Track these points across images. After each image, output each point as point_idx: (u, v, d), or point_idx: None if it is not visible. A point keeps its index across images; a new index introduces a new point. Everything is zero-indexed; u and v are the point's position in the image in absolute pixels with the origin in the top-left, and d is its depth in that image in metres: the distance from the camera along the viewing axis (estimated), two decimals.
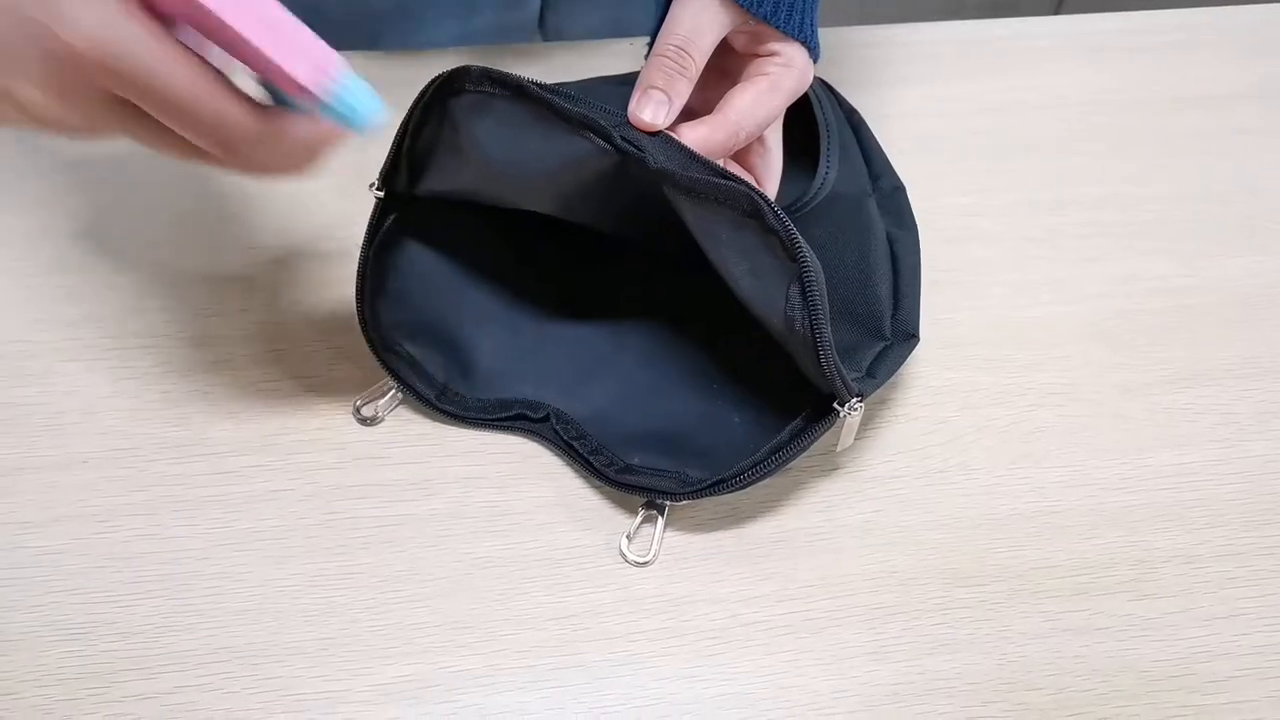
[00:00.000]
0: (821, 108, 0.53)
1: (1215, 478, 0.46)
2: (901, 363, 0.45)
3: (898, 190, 0.52)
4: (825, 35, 0.67)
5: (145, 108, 0.32)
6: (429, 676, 0.40)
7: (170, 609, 0.41)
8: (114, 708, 0.38)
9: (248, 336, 0.49)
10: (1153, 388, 0.50)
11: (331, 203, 0.52)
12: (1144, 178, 0.60)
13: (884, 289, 0.47)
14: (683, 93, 0.42)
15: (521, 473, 0.46)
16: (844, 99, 0.56)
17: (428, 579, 0.42)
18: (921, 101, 0.63)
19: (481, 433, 0.47)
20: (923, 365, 0.50)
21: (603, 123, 0.40)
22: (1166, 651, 0.41)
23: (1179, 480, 0.46)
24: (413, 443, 0.46)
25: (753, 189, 0.39)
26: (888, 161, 0.54)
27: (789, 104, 0.45)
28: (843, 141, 0.53)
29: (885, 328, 0.46)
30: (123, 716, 0.38)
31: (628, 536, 0.43)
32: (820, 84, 0.56)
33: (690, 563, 0.43)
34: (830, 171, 0.51)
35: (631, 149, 0.40)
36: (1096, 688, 0.40)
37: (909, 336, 0.46)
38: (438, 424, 0.47)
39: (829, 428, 0.41)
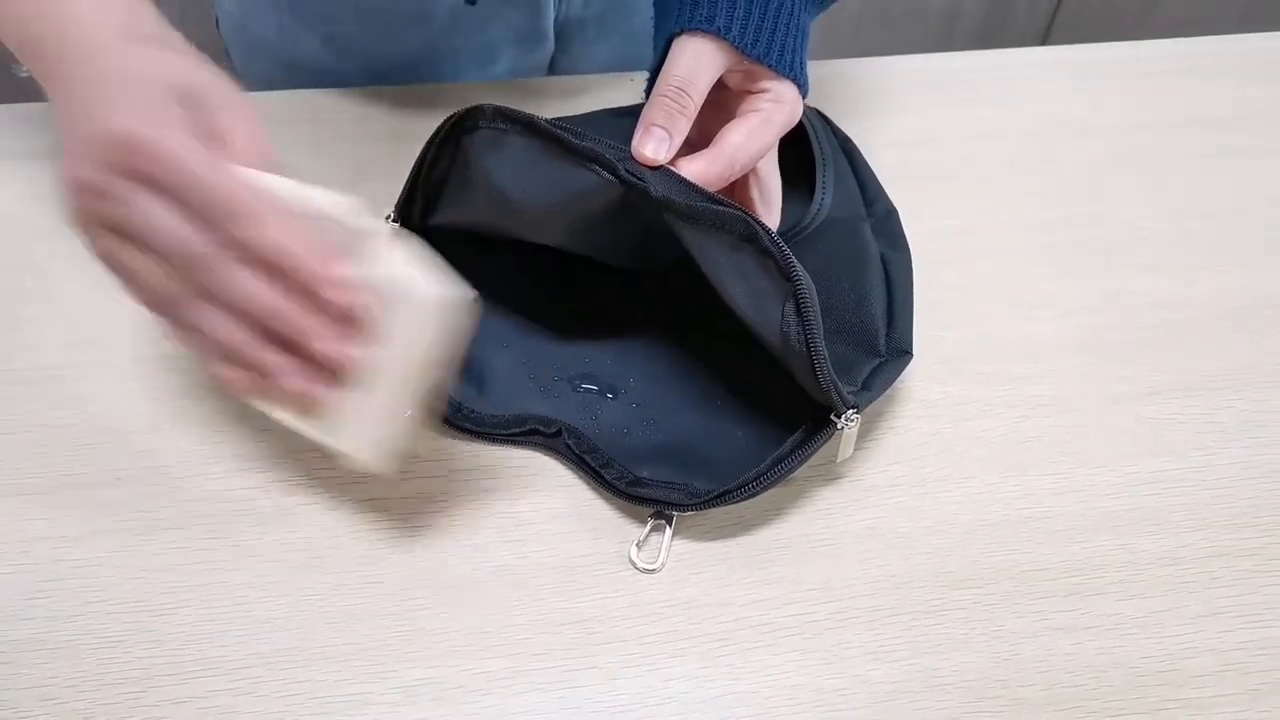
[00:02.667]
0: (817, 137, 0.56)
1: (1199, 483, 0.48)
2: (896, 377, 0.47)
3: (890, 214, 0.55)
4: (822, 68, 0.70)
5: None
6: (450, 679, 0.42)
7: (202, 617, 0.43)
8: (150, 712, 0.40)
9: None
10: (1139, 398, 0.52)
11: None
12: (1129, 198, 0.62)
13: (878, 308, 0.49)
14: (682, 129, 0.45)
15: (536, 485, 0.48)
16: (838, 128, 0.59)
17: (448, 586, 0.44)
18: (914, 129, 0.66)
19: (497, 447, 0.49)
20: (918, 379, 0.52)
21: (608, 156, 0.43)
22: (1153, 649, 0.43)
23: (1164, 486, 0.48)
24: (432, 458, 0.48)
25: (749, 215, 0.41)
26: (880, 187, 0.56)
27: (781, 137, 0.47)
28: (837, 169, 0.55)
29: (880, 345, 0.48)
30: None
31: (637, 545, 0.45)
32: (815, 114, 0.59)
33: (698, 569, 0.45)
34: (826, 197, 0.54)
35: (635, 180, 0.43)
36: (1087, 684, 0.42)
37: (902, 353, 0.48)
38: (455, 440, 0.49)
39: (827, 439, 0.43)
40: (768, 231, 0.41)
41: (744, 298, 0.44)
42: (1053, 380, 0.52)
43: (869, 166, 0.57)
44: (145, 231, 0.36)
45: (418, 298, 0.36)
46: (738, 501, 0.44)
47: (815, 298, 0.41)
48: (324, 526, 0.46)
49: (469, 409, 0.49)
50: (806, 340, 0.41)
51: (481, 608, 0.43)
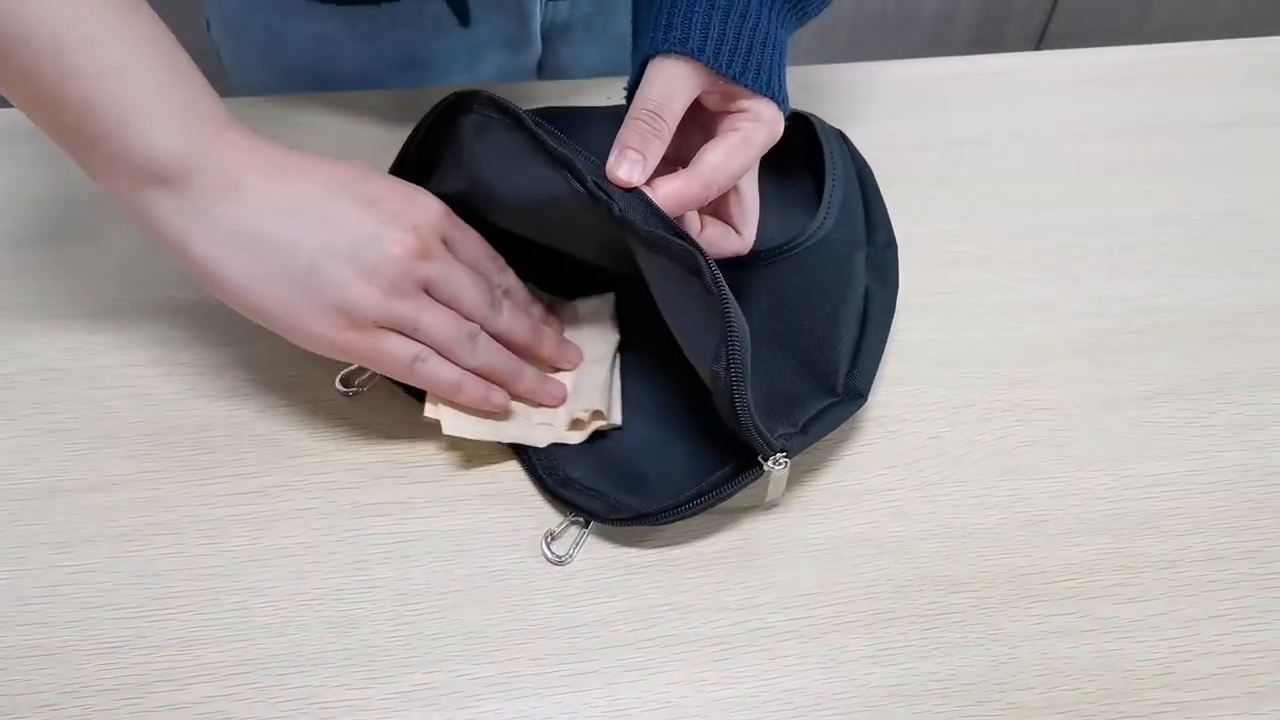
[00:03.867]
0: (832, 158, 0.56)
1: (1194, 487, 0.49)
2: (841, 422, 0.47)
3: (890, 247, 0.54)
4: (817, 73, 0.70)
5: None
6: (448, 684, 0.41)
7: (198, 623, 0.43)
8: (147, 718, 0.40)
9: (266, 363, 0.51)
10: (1134, 402, 0.52)
11: None
12: (1122, 203, 0.62)
13: (846, 346, 0.49)
14: (656, 152, 0.45)
15: (532, 490, 0.48)
16: (858, 152, 0.59)
17: (445, 591, 0.44)
18: (908, 134, 0.66)
19: (495, 452, 0.49)
20: (915, 383, 0.52)
21: (580, 167, 0.43)
22: (1150, 652, 0.43)
23: (1160, 489, 0.48)
24: (429, 462, 0.48)
25: (699, 250, 0.42)
26: (887, 217, 0.56)
27: (761, 155, 0.47)
28: (846, 193, 0.56)
29: (838, 384, 0.48)
30: None
31: (551, 534, 0.46)
32: (837, 135, 0.59)
33: (696, 572, 0.45)
34: (828, 219, 0.54)
35: (602, 196, 0.43)
36: (1084, 687, 0.42)
37: (857, 395, 0.47)
38: (454, 444, 0.49)
39: (754, 479, 0.44)
40: (713, 271, 0.42)
41: (685, 328, 0.45)
42: (1048, 384, 0.52)
43: (880, 196, 0.57)
44: (450, 281, 0.45)
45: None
46: (655, 525, 0.44)
47: (746, 344, 0.42)
48: (320, 532, 0.46)
49: None
50: (730, 385, 0.41)
51: (478, 613, 0.43)
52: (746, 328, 0.42)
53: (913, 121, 0.67)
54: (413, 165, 0.49)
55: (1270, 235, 0.61)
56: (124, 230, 0.57)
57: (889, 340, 0.51)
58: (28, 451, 0.48)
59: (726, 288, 0.41)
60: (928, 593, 0.44)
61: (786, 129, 0.48)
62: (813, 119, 0.58)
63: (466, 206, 0.49)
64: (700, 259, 0.41)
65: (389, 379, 0.49)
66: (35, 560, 0.44)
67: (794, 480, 0.47)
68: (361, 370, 0.50)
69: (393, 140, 0.50)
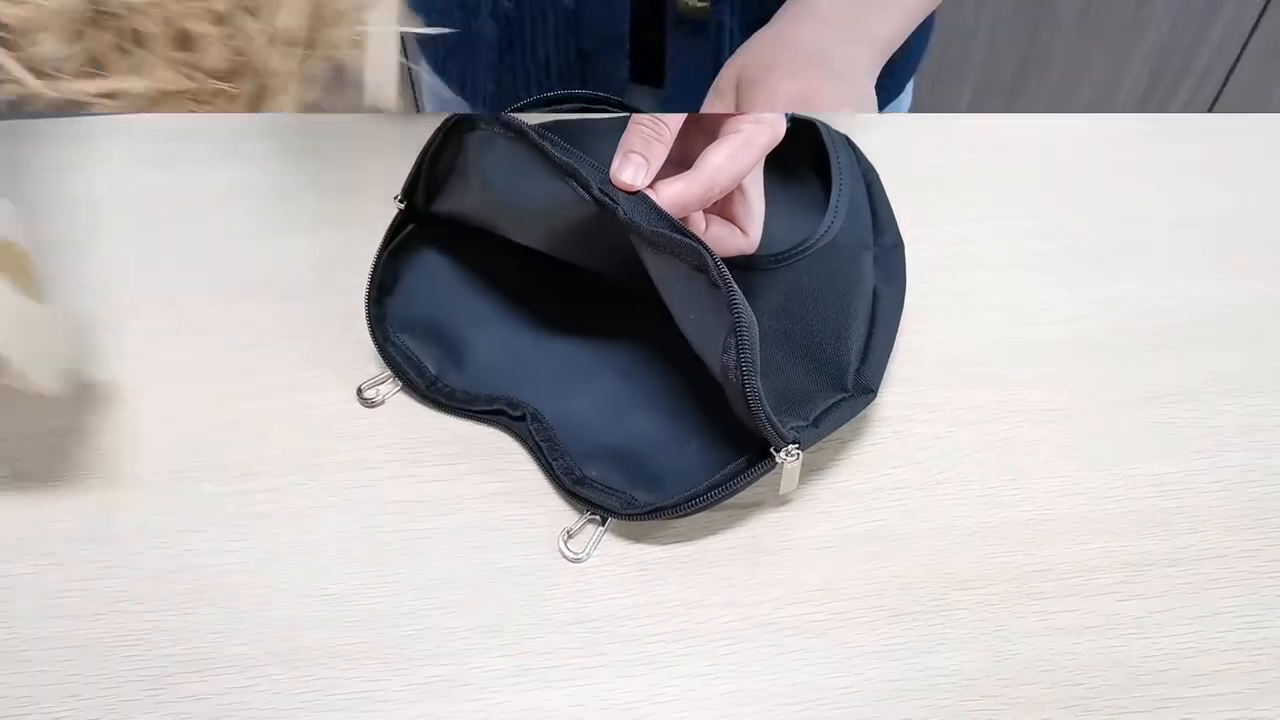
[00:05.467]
0: (838, 161, 0.57)
1: (1197, 486, 0.49)
2: (852, 417, 0.48)
3: (896, 247, 0.55)
4: None
5: None
6: (461, 676, 0.42)
7: (220, 617, 0.44)
8: (171, 708, 0.41)
9: (287, 366, 0.53)
10: (1139, 403, 0.53)
11: (355, 238, 0.55)
12: (1127, 206, 0.63)
13: (856, 343, 0.50)
14: (659, 156, 0.45)
15: (545, 489, 0.49)
16: (863, 156, 0.60)
17: (459, 586, 0.45)
18: (915, 138, 0.67)
19: (507, 452, 0.50)
20: (921, 384, 0.53)
21: (584, 174, 0.44)
22: (1153, 648, 0.44)
23: (1164, 489, 0.49)
24: (444, 462, 0.49)
25: (704, 247, 0.42)
26: (894, 219, 0.57)
27: (764, 155, 0.47)
28: (853, 196, 0.56)
29: (848, 380, 0.49)
30: (179, 716, 0.41)
31: (568, 533, 0.47)
32: (843, 140, 0.60)
33: (705, 569, 0.46)
34: (835, 222, 0.55)
35: (607, 200, 0.44)
36: (1087, 683, 0.43)
37: (867, 391, 0.48)
38: (468, 444, 0.50)
39: (766, 472, 0.44)
40: (718, 265, 0.42)
41: (693, 325, 0.46)
42: (1053, 385, 0.53)
43: (886, 199, 0.58)
44: None
45: None
46: (671, 519, 0.46)
47: (755, 334, 0.42)
48: (338, 529, 0.47)
49: (444, 384, 0.51)
50: (741, 375, 0.42)
51: (491, 607, 0.44)
52: (755, 319, 0.43)
53: (919, 125, 0.68)
54: (423, 186, 0.50)
55: (1277, 238, 0.61)
56: (146, 233, 0.58)
57: (896, 341, 0.52)
58: (54, 453, 0.49)
59: (733, 281, 0.42)
60: (933, 589, 0.45)
61: (793, 134, 0.49)
62: (818, 123, 0.59)
63: (476, 223, 0.50)
64: (705, 254, 0.42)
65: (406, 391, 0.51)
66: (63, 555, 0.46)
67: (802, 479, 0.48)
68: (380, 381, 0.51)
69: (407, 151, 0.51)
